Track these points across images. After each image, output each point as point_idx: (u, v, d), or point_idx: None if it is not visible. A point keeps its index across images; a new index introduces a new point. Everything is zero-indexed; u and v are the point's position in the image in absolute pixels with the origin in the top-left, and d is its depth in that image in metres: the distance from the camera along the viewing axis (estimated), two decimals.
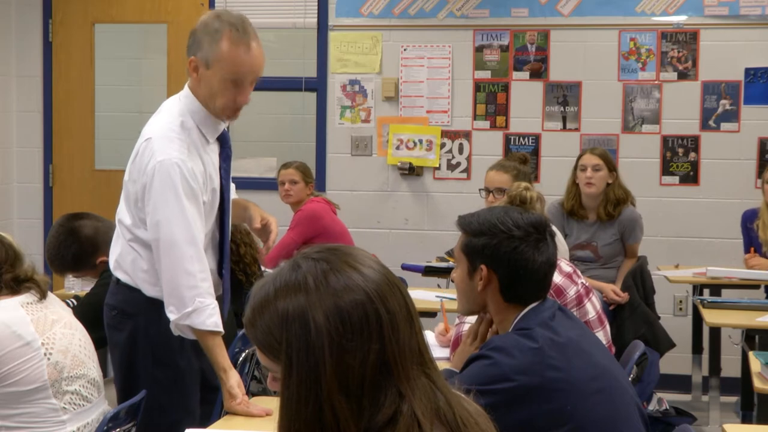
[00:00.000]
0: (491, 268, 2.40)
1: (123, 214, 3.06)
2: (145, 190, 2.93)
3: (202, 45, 2.94)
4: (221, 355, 2.94)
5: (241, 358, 3.74)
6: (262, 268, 4.59)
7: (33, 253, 5.51)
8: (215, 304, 2.95)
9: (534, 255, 2.38)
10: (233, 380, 2.91)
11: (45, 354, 2.82)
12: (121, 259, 3.07)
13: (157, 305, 3.01)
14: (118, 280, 3.09)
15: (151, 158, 2.92)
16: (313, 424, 1.36)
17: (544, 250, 2.40)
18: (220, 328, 2.95)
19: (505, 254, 2.38)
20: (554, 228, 2.75)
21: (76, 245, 3.75)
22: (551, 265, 2.44)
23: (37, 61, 6.85)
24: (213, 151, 3.08)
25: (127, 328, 3.08)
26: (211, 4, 6.62)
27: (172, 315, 2.92)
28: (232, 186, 3.37)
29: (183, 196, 2.90)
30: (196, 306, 2.90)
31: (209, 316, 2.92)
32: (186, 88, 3.06)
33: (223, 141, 3.13)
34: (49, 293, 2.99)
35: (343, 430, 1.36)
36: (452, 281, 2.63)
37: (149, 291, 3.03)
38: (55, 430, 2.84)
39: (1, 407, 2.80)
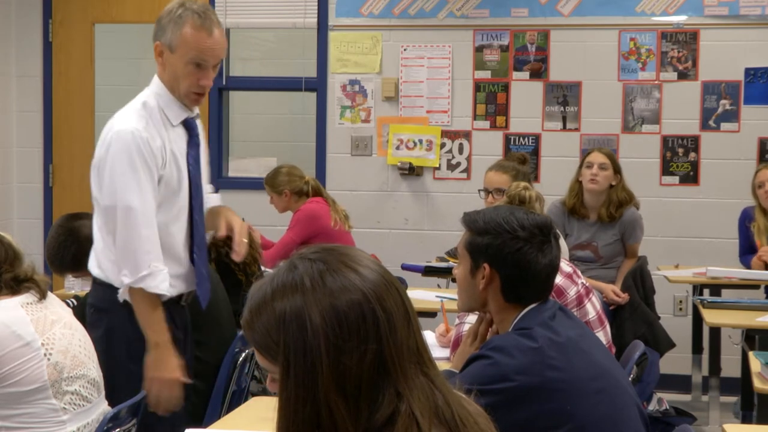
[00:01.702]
0: (494, 267, 2.39)
1: (94, 201, 3.13)
2: (102, 160, 3.05)
3: (166, 30, 3.08)
4: (160, 329, 3.03)
5: (240, 358, 3.74)
6: (262, 268, 4.59)
7: (33, 253, 5.50)
8: (166, 270, 3.04)
9: (537, 257, 2.38)
10: (162, 354, 3.01)
11: (45, 354, 2.82)
12: (95, 252, 3.14)
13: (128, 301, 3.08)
14: (94, 278, 3.16)
15: (109, 131, 3.08)
16: (311, 424, 1.36)
17: (548, 253, 2.39)
18: (169, 293, 3.05)
19: (508, 254, 2.38)
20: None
21: (76, 245, 3.75)
22: (554, 268, 2.43)
23: (37, 61, 6.85)
24: (179, 136, 3.16)
25: (102, 325, 3.12)
26: (211, 4, 6.62)
27: (126, 278, 3.00)
28: (216, 196, 3.40)
29: (138, 163, 3.01)
30: (152, 270, 3.00)
31: (162, 281, 3.02)
32: (155, 76, 3.18)
33: (190, 128, 3.21)
34: (49, 293, 2.98)
35: (341, 431, 1.36)
36: (453, 281, 2.63)
37: (119, 282, 3.08)
38: (55, 430, 2.84)
39: (1, 408, 2.80)
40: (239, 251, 3.21)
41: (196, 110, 3.25)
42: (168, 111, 3.13)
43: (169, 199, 3.10)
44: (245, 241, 3.26)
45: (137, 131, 3.03)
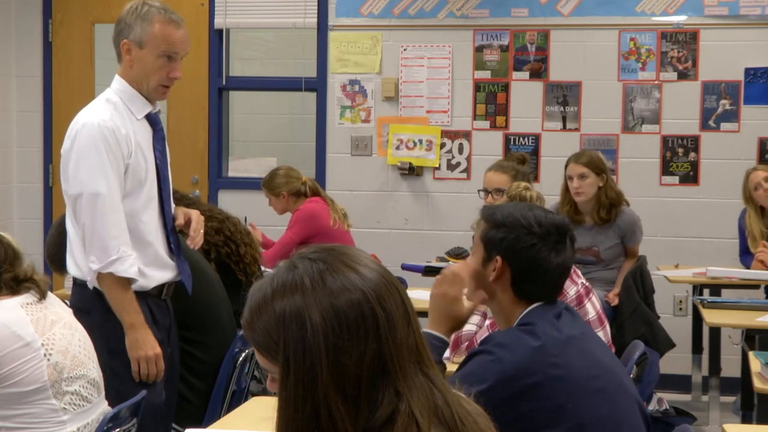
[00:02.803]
0: (506, 260, 2.39)
1: (65, 195, 3.18)
2: (68, 151, 3.11)
3: (133, 28, 3.16)
4: (133, 310, 3.10)
5: (241, 358, 3.74)
6: (262, 268, 4.59)
7: (33, 253, 5.50)
8: (135, 255, 3.10)
9: (550, 255, 2.38)
10: (139, 334, 3.08)
11: (45, 355, 2.82)
12: (70, 251, 3.18)
13: (103, 298, 3.13)
14: (74, 278, 3.21)
15: (75, 124, 3.13)
16: (311, 424, 1.36)
17: (561, 253, 2.39)
18: (138, 278, 3.10)
19: (521, 249, 2.38)
20: None
21: None
22: (566, 269, 2.43)
23: (37, 61, 6.85)
24: (144, 130, 3.22)
25: (84, 325, 3.11)
26: (211, 4, 6.62)
27: (94, 264, 3.06)
28: None
29: (103, 151, 3.07)
30: (120, 254, 3.05)
31: (131, 265, 3.08)
32: (116, 76, 3.24)
33: (154, 122, 3.27)
34: (49, 293, 2.98)
35: (341, 430, 1.36)
36: None
37: (91, 282, 3.13)
38: (55, 430, 2.84)
39: (1, 408, 2.80)
40: (196, 241, 3.30)
41: (158, 106, 3.32)
42: (131, 105, 3.19)
43: (137, 188, 3.17)
44: (202, 231, 3.34)
45: (103, 122, 3.09)
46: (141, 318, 3.12)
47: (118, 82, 3.22)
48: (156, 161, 3.24)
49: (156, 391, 3.23)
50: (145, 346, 3.12)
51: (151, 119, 3.26)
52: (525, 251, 2.38)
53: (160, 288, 3.26)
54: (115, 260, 3.05)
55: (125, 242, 3.08)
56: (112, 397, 3.02)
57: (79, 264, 3.16)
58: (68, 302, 3.77)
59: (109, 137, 3.09)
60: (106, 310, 3.13)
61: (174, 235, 3.30)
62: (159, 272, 3.24)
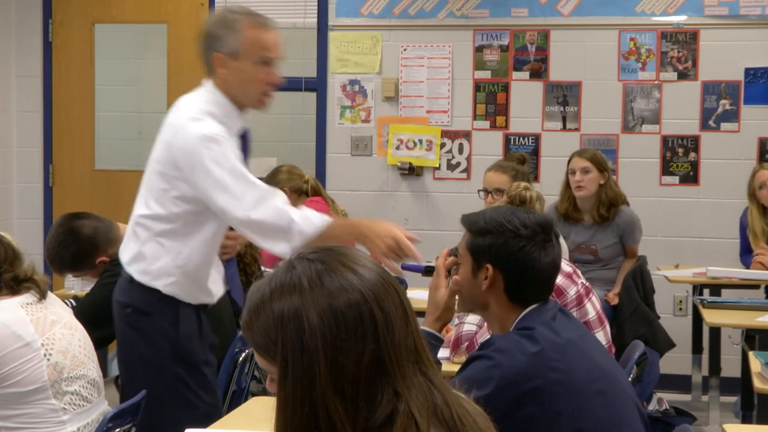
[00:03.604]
0: (497, 267, 2.37)
1: (148, 207, 3.05)
2: (192, 169, 2.92)
3: (224, 39, 3.01)
4: (349, 225, 3.03)
5: (240, 358, 3.74)
6: (262, 268, 4.59)
7: (33, 253, 5.50)
8: (301, 213, 2.94)
9: (540, 255, 2.37)
10: (382, 229, 2.92)
11: (45, 355, 2.82)
12: (140, 255, 3.08)
13: (174, 302, 3.05)
14: (131, 278, 3.09)
15: (191, 138, 2.92)
16: (309, 424, 1.36)
17: (550, 251, 2.39)
18: (327, 218, 2.96)
19: (511, 254, 2.36)
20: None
21: (76, 245, 3.74)
22: (556, 267, 2.42)
23: (37, 61, 6.85)
24: (238, 147, 3.08)
25: (146, 327, 3.09)
26: (211, 4, 6.62)
27: (287, 246, 2.89)
28: None
29: (231, 158, 2.92)
30: (296, 222, 2.90)
31: (311, 217, 2.93)
32: (207, 84, 3.08)
33: (244, 137, 3.15)
34: (49, 293, 2.99)
35: (339, 431, 1.36)
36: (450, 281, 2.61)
37: (166, 287, 3.05)
38: (55, 430, 2.84)
39: (1, 408, 2.81)
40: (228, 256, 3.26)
41: (248, 122, 3.19)
42: (228, 121, 3.04)
43: None
44: (238, 247, 3.28)
45: (221, 133, 2.94)
46: (352, 220, 2.99)
47: (214, 94, 3.05)
48: None
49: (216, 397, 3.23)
50: (380, 228, 2.94)
51: (244, 137, 3.14)
52: (515, 255, 2.36)
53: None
54: (295, 232, 2.90)
55: (290, 210, 2.93)
56: (180, 405, 3.00)
57: (148, 271, 3.05)
58: (69, 302, 3.79)
59: (234, 149, 2.96)
60: (175, 315, 3.06)
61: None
62: (219, 286, 3.23)
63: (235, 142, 3.03)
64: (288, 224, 2.90)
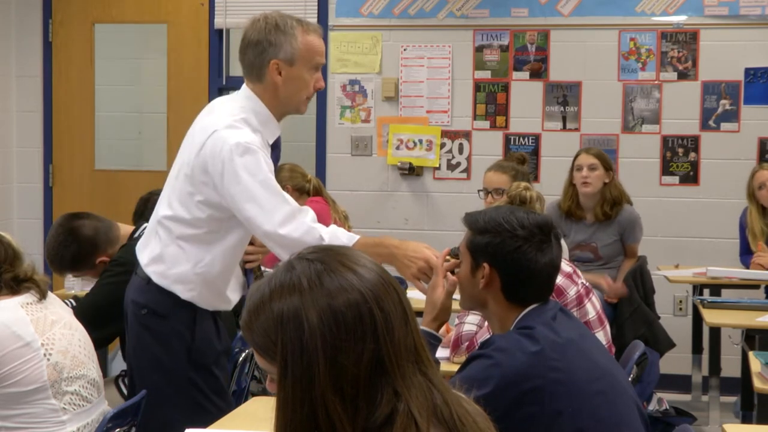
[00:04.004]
0: (493, 266, 2.39)
1: (171, 208, 3.01)
2: (222, 176, 2.87)
3: (281, 45, 2.97)
4: (377, 245, 2.96)
5: (240, 358, 3.74)
6: (262, 268, 4.59)
7: (33, 253, 5.51)
8: (330, 231, 2.93)
9: (536, 256, 2.37)
10: (412, 250, 2.86)
11: (45, 354, 2.82)
12: (160, 257, 3.03)
13: (190, 309, 3.03)
14: (149, 279, 3.06)
15: (223, 144, 2.87)
16: (309, 424, 1.36)
17: (548, 252, 2.39)
18: (355, 237, 2.96)
19: (507, 253, 2.37)
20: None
21: (76, 245, 3.74)
22: (554, 267, 2.42)
23: (37, 61, 6.85)
24: (268, 157, 3.02)
25: (160, 329, 3.06)
26: (211, 4, 6.62)
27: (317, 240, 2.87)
28: None
29: (264, 169, 2.89)
30: (322, 243, 2.84)
31: (340, 236, 2.92)
32: (245, 90, 3.03)
33: (277, 148, 3.10)
34: (49, 293, 2.99)
35: (339, 431, 1.36)
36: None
37: (184, 293, 3.02)
38: (55, 430, 2.84)
39: (1, 408, 2.81)
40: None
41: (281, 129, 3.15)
42: (264, 130, 3.00)
43: None
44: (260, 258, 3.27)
45: (255, 143, 2.89)
46: (381, 240, 2.97)
47: (252, 101, 3.00)
48: None
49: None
50: (414, 250, 2.86)
51: (276, 145, 3.09)
52: (511, 255, 2.37)
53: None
54: (313, 229, 2.88)
55: (317, 227, 2.90)
56: (192, 410, 3.00)
57: (167, 275, 3.02)
58: (69, 302, 3.79)
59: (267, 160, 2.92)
60: (191, 319, 3.04)
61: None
62: (237, 294, 3.21)
63: (268, 151, 2.98)
64: (317, 242, 2.86)
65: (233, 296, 3.19)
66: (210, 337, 3.10)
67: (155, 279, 3.04)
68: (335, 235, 2.91)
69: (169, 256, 3.02)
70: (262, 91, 3.00)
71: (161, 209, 3.05)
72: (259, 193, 2.86)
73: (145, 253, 3.08)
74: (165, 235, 3.02)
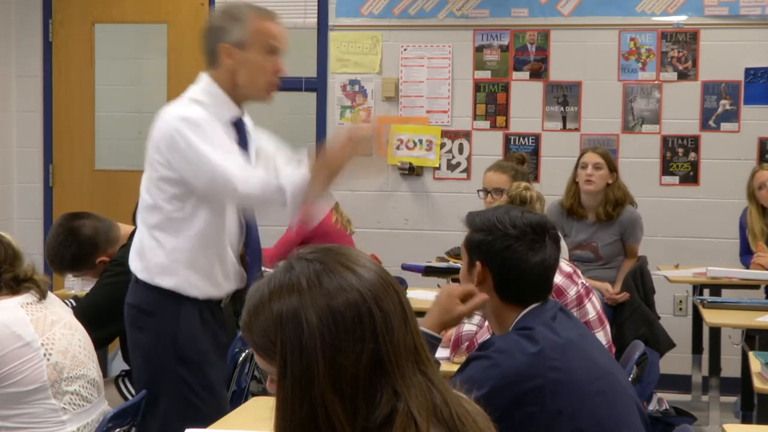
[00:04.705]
0: (485, 264, 2.41)
1: (143, 199, 3.06)
2: (172, 148, 2.92)
3: (230, 30, 3.01)
4: (320, 166, 2.93)
5: (240, 358, 3.74)
6: (263, 268, 4.59)
7: (33, 253, 5.50)
8: (287, 172, 2.92)
9: (527, 255, 2.38)
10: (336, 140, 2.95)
11: (45, 354, 2.82)
12: (140, 251, 3.08)
13: (176, 301, 3.03)
14: (136, 278, 3.09)
15: (170, 120, 2.94)
16: (308, 424, 1.36)
17: (539, 251, 2.39)
18: (305, 169, 2.92)
19: (497, 252, 2.39)
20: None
21: (76, 245, 3.74)
22: (547, 267, 2.42)
23: (37, 61, 6.85)
24: (229, 135, 3.04)
25: (148, 326, 3.08)
26: (211, 4, 6.62)
27: (282, 208, 2.92)
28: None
29: (212, 135, 2.91)
30: (284, 188, 2.88)
31: (295, 177, 2.89)
32: (203, 76, 3.08)
33: (238, 129, 3.10)
34: (49, 293, 2.99)
35: (339, 431, 1.36)
36: (453, 281, 2.63)
37: (166, 282, 3.03)
38: (55, 430, 2.84)
39: (1, 408, 2.81)
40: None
41: (245, 111, 3.16)
42: (219, 109, 3.02)
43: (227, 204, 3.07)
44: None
45: (201, 115, 2.94)
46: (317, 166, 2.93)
47: (204, 84, 3.05)
48: None
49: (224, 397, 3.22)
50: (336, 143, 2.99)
51: (237, 125, 3.09)
52: (500, 253, 2.39)
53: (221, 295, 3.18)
54: (286, 192, 2.88)
55: (274, 178, 2.89)
56: (182, 406, 3.00)
57: (149, 267, 3.05)
58: (69, 302, 3.79)
59: (212, 124, 2.95)
60: (176, 314, 3.04)
61: (256, 250, 3.20)
62: (228, 283, 3.16)
63: (221, 128, 2.99)
64: (277, 193, 2.89)
65: (227, 284, 3.15)
66: (196, 332, 3.08)
67: (140, 275, 3.08)
68: (291, 181, 2.89)
69: (147, 249, 3.06)
70: (217, 76, 3.05)
71: (140, 201, 3.11)
72: (209, 159, 2.89)
73: (131, 252, 3.14)
74: (143, 229, 3.08)
